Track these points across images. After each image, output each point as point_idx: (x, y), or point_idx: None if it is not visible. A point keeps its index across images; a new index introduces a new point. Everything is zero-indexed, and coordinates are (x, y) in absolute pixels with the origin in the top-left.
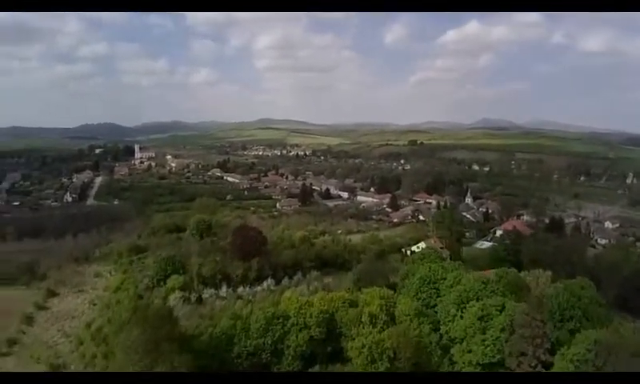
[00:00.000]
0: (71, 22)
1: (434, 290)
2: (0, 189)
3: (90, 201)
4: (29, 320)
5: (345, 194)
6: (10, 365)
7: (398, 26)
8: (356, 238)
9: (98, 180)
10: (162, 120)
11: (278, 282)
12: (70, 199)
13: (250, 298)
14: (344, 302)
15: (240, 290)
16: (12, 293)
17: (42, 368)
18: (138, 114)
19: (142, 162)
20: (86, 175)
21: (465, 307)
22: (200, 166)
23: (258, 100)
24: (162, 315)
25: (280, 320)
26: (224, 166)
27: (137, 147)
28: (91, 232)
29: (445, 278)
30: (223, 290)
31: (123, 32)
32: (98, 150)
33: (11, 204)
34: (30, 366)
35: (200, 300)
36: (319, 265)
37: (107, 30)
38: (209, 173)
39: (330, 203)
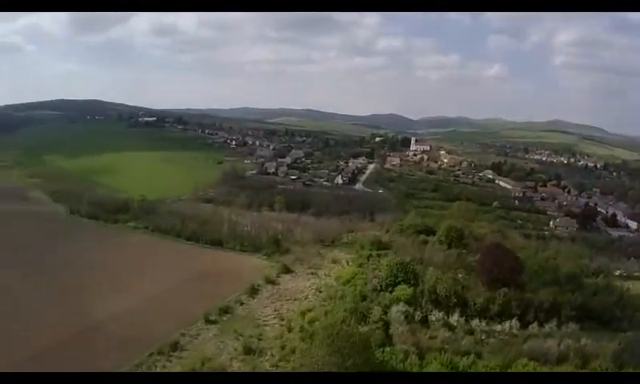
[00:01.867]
0: (370, 15)
1: None
2: (282, 162)
3: (358, 186)
4: (253, 292)
5: (633, 225)
6: (210, 333)
7: None
8: (638, 287)
9: (371, 167)
10: (447, 114)
11: (524, 325)
12: (340, 181)
13: (483, 336)
14: None
15: (474, 322)
16: (252, 260)
17: (237, 346)
18: (424, 107)
19: (415, 155)
20: (360, 161)
21: None
22: (473, 165)
23: (551, 100)
24: (354, 343)
25: None
26: (498, 168)
27: (413, 139)
28: (348, 216)
29: None
30: (454, 317)
31: (419, 27)
32: (377, 139)
33: (289, 177)
34: (228, 340)
35: (425, 321)
36: (581, 315)
37: (404, 24)
38: (480, 174)
39: (615, 233)
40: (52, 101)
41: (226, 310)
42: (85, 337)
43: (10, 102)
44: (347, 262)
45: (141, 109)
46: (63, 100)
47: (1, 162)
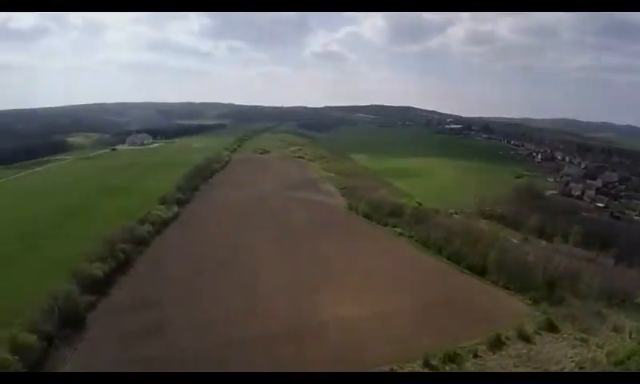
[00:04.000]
0: None
1: None
2: (592, 185)
3: None
4: (496, 344)
5: None
6: None
7: None
8: None
9: None
10: None
11: None
12: None
13: None
14: None
15: None
16: (512, 302)
17: None
18: None
19: None
20: None
21: None
22: None
23: None
24: None
25: None
26: None
27: None
28: None
29: None
30: None
31: None
32: None
33: (595, 204)
34: None
35: None
36: None
37: None
38: None
39: None
40: (369, 105)
41: (452, 358)
42: (296, 337)
43: (330, 104)
44: (630, 334)
45: (449, 116)
46: (379, 105)
47: (308, 154)
